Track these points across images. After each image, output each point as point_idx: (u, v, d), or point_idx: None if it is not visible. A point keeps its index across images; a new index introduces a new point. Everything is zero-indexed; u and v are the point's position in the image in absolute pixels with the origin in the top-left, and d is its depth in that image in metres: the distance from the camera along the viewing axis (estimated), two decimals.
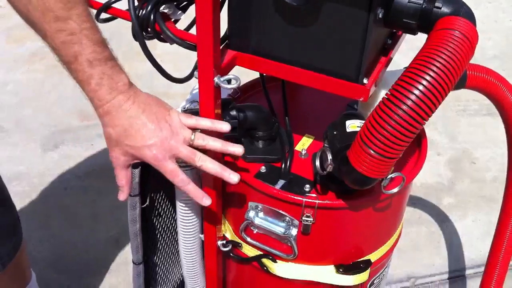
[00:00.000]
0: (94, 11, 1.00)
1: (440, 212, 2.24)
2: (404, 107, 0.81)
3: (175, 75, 1.09)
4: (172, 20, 1.03)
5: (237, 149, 0.97)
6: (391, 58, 1.05)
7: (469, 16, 0.90)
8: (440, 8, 0.90)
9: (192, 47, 0.95)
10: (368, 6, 0.85)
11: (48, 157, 2.36)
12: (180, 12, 1.04)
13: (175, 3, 1.02)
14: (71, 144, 2.42)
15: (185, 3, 1.04)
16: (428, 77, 0.82)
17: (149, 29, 0.97)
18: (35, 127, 2.51)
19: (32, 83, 2.79)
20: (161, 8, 0.99)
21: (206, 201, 0.98)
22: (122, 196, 1.05)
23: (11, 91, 2.73)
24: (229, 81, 0.96)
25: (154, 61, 1.00)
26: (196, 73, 0.96)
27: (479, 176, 2.40)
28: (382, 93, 1.10)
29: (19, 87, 2.75)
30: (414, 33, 0.95)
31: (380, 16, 0.89)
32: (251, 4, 0.93)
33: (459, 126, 2.63)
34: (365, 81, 0.93)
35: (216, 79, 0.94)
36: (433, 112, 0.85)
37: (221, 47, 0.95)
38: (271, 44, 0.96)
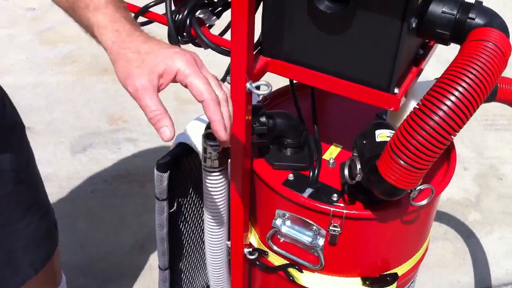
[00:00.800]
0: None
1: (466, 228, 2.21)
2: (436, 117, 0.81)
3: None
4: (207, 25, 1.05)
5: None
6: (422, 69, 1.04)
7: (503, 28, 0.90)
8: (474, 19, 0.90)
9: (225, 53, 0.97)
10: (402, 16, 0.86)
11: (76, 160, 2.39)
12: (214, 17, 1.05)
13: (210, 8, 1.04)
14: (99, 148, 2.45)
15: (219, 8, 1.06)
16: (460, 88, 0.82)
17: (184, 34, 0.98)
18: (65, 129, 2.55)
19: (62, 85, 2.84)
20: (196, 13, 1.01)
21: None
22: (169, 131, 0.77)
23: (42, 93, 2.78)
24: (259, 87, 0.97)
25: None
26: (228, 78, 0.97)
27: (506, 192, 2.37)
28: (412, 104, 1.10)
29: (49, 90, 2.80)
30: (447, 44, 0.95)
31: (414, 25, 0.89)
32: (285, 11, 0.94)
33: (486, 140, 2.60)
34: (396, 90, 0.93)
35: (248, 84, 0.95)
36: (464, 124, 0.84)
37: (254, 53, 0.97)
38: (304, 51, 0.97)
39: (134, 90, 0.77)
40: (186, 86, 0.80)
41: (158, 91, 0.79)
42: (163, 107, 0.78)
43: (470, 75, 0.82)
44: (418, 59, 1.02)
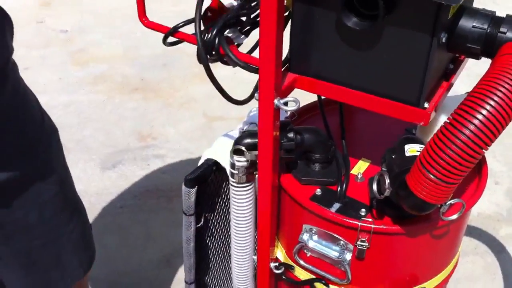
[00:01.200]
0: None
1: (497, 242, 2.17)
2: (467, 131, 0.81)
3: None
4: (235, 44, 1.06)
5: None
6: (453, 83, 1.04)
7: None
8: (505, 33, 0.90)
9: (254, 70, 0.97)
10: (431, 31, 0.86)
11: (106, 176, 2.43)
12: (243, 36, 1.07)
13: (238, 27, 1.05)
14: (128, 164, 2.49)
15: (248, 27, 1.07)
16: (492, 102, 0.81)
17: (213, 52, 1.00)
18: (95, 147, 2.60)
19: (93, 104, 2.89)
20: (225, 32, 1.02)
21: None
22: None
23: (74, 112, 2.83)
24: (287, 103, 0.97)
25: (217, 84, 1.03)
26: (256, 94, 0.98)
27: None
28: (442, 119, 1.09)
29: (81, 108, 2.86)
30: (478, 58, 0.94)
31: (444, 40, 0.89)
32: (313, 28, 0.95)
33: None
34: (426, 105, 0.93)
35: (276, 101, 0.95)
36: (496, 138, 0.83)
37: (282, 69, 0.97)
38: (332, 68, 0.97)
39: None
40: None
41: None
42: None
43: (502, 89, 0.82)
44: (448, 73, 1.02)
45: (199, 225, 1.24)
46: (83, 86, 3.03)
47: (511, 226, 2.24)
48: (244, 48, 1.09)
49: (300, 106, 0.97)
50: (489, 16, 0.91)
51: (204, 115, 2.74)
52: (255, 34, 0.96)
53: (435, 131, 1.10)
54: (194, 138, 2.63)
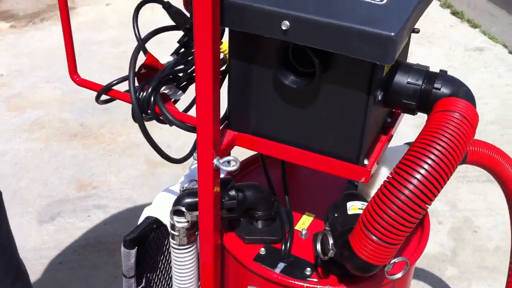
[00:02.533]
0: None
1: (444, 284, 2.18)
2: (406, 191, 0.80)
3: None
4: (172, 100, 1.04)
5: None
6: (392, 136, 1.04)
7: (469, 97, 0.90)
8: (440, 89, 0.91)
9: (191, 129, 0.95)
10: (367, 89, 0.86)
11: (43, 230, 2.32)
12: (180, 92, 1.05)
13: (175, 83, 1.03)
14: (67, 216, 2.39)
15: (185, 83, 1.05)
16: (429, 161, 0.81)
17: (148, 111, 0.97)
18: (32, 198, 2.48)
19: (30, 153, 2.78)
20: (161, 89, 0.99)
21: None
22: None
23: (9, 161, 2.71)
24: (227, 163, 0.94)
25: (153, 142, 1.00)
26: (195, 154, 0.95)
27: (482, 245, 2.36)
28: (383, 171, 1.09)
29: (17, 157, 2.74)
30: (414, 114, 0.95)
31: (380, 98, 0.89)
32: (250, 85, 0.94)
33: (459, 193, 2.61)
34: (366, 162, 0.92)
35: (215, 161, 0.93)
36: (435, 196, 0.83)
37: (220, 127, 0.95)
38: (271, 125, 0.96)
39: None
40: None
41: None
42: None
43: (439, 147, 0.82)
44: (387, 127, 1.02)
45: (140, 286, 1.19)
46: (19, 133, 2.91)
47: (456, 266, 2.26)
48: (182, 104, 1.06)
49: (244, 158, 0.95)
50: (423, 72, 0.92)
51: (147, 161, 2.68)
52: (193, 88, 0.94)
53: (376, 183, 1.10)
54: (137, 186, 2.56)
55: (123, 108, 3.06)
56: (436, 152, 0.82)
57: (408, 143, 1.20)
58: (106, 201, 2.47)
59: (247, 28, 0.84)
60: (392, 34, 0.75)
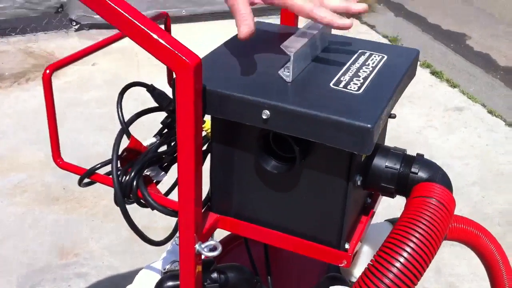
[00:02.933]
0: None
1: None
2: (387, 281, 0.80)
3: None
4: (154, 181, 1.04)
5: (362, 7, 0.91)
6: (373, 215, 1.05)
7: (445, 181, 0.92)
8: (417, 173, 0.92)
9: (173, 214, 0.95)
10: (346, 175, 0.87)
11: None
12: (163, 173, 1.05)
13: (158, 164, 1.03)
14: (47, 285, 2.34)
15: (167, 163, 1.05)
16: (408, 249, 0.82)
17: (130, 195, 0.97)
18: (12, 267, 2.44)
19: (11, 218, 2.75)
20: (145, 171, 1.00)
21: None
22: (247, 29, 0.85)
23: None
24: (209, 248, 0.94)
25: (134, 226, 1.00)
26: (176, 239, 0.95)
27: None
28: (365, 249, 1.10)
29: None
30: (393, 196, 0.96)
31: (359, 183, 0.90)
32: (233, 168, 0.95)
33: (443, 258, 2.61)
34: (346, 246, 0.92)
35: (197, 246, 0.92)
36: (418, 280, 0.84)
37: (202, 210, 0.95)
38: (253, 208, 0.96)
39: None
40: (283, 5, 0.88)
41: (251, 5, 0.88)
42: (250, 12, 0.86)
43: (417, 235, 0.83)
44: (367, 207, 1.03)
45: None
46: (1, 198, 2.89)
47: None
48: (164, 186, 1.07)
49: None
50: (400, 156, 0.94)
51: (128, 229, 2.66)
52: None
53: (358, 262, 1.10)
54: (119, 253, 2.53)
55: (107, 169, 3.06)
56: (414, 239, 0.83)
57: (389, 220, 1.21)
58: (87, 269, 2.43)
59: (228, 116, 0.86)
60: (369, 126, 0.77)
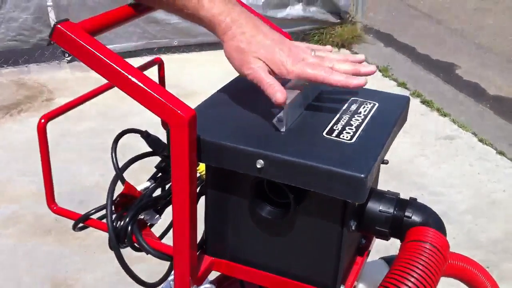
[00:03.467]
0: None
1: None
2: None
3: None
4: (148, 224, 1.04)
5: (371, 69, 0.94)
6: (368, 255, 1.06)
7: (439, 225, 0.93)
8: (410, 217, 0.93)
9: (168, 258, 0.95)
10: (341, 221, 0.88)
11: None
12: (157, 216, 1.05)
13: (152, 207, 1.04)
14: None
15: (160, 206, 1.06)
16: None
17: (125, 240, 0.97)
18: None
19: (4, 249, 2.73)
20: (139, 215, 1.00)
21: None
22: (281, 95, 0.87)
23: None
24: None
25: (129, 270, 1.00)
26: (172, 283, 0.95)
27: None
28: (360, 286, 1.10)
29: None
30: (387, 239, 0.97)
31: (353, 228, 0.91)
32: (227, 213, 0.95)
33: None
34: None
35: None
36: None
37: (197, 253, 0.96)
38: (248, 252, 0.97)
39: (251, 71, 0.89)
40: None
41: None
42: (275, 80, 0.88)
43: (413, 279, 0.84)
44: (362, 248, 1.04)
45: None
46: None
47: None
48: (158, 228, 1.07)
49: None
50: (394, 200, 0.95)
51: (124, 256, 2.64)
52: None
53: None
54: (113, 284, 2.51)
55: (100, 201, 3.05)
56: (410, 284, 0.83)
57: (384, 258, 1.21)
58: None
59: (223, 164, 0.87)
60: (362, 175, 0.78)
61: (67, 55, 4.52)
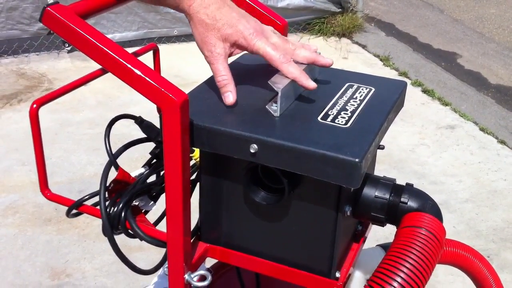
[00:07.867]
0: None
1: None
2: None
3: None
4: (143, 211, 1.04)
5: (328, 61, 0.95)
6: (364, 241, 1.05)
7: (435, 211, 0.92)
8: (406, 203, 0.93)
9: (162, 245, 0.95)
10: (336, 206, 0.87)
11: None
12: (152, 202, 1.05)
13: (147, 194, 1.03)
14: None
15: (156, 192, 1.05)
16: (399, 279, 0.82)
17: (119, 226, 0.97)
18: None
19: (3, 239, 2.73)
20: (133, 202, 1.00)
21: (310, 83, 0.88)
22: (232, 96, 0.89)
23: None
24: (199, 278, 0.94)
25: (122, 255, 1.00)
26: (166, 269, 0.94)
27: None
28: (357, 274, 1.10)
29: None
30: (383, 225, 0.96)
31: (348, 213, 0.90)
32: (222, 199, 0.94)
33: (437, 274, 2.61)
34: (337, 275, 0.92)
35: (186, 276, 0.92)
36: None
37: (192, 240, 0.95)
38: (243, 238, 0.96)
39: (209, 54, 0.89)
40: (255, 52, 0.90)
41: (230, 55, 0.91)
42: (230, 74, 0.89)
43: (408, 265, 0.83)
44: (358, 235, 1.03)
45: None
46: None
47: None
48: (153, 215, 1.06)
49: None
50: (389, 185, 0.94)
51: (122, 246, 2.62)
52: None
53: (351, 286, 1.10)
54: (112, 273, 2.51)
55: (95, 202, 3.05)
56: (405, 269, 0.83)
57: (381, 245, 1.21)
58: None
59: (217, 149, 0.86)
60: (357, 160, 0.77)
61: (67, 45, 4.50)
